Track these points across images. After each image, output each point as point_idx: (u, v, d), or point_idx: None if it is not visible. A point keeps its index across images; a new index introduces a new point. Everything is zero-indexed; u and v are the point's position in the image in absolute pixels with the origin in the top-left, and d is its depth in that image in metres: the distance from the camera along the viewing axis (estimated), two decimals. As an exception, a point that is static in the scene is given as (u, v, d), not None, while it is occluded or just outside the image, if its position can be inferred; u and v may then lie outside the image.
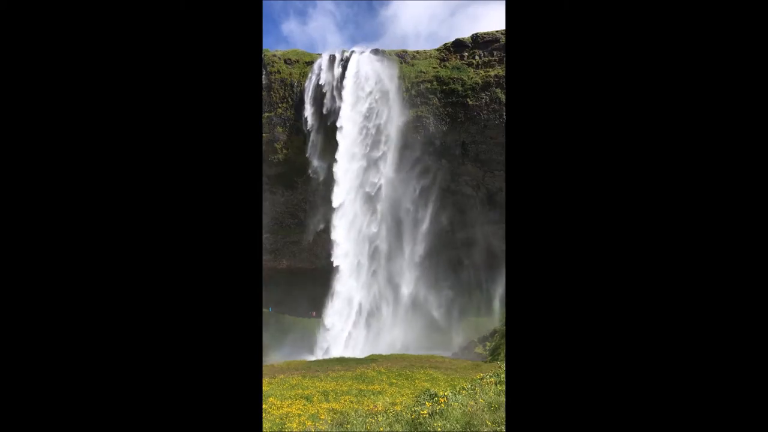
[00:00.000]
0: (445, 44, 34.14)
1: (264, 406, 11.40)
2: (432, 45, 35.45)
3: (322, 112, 32.23)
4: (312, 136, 32.32)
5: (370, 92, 31.61)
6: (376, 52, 33.23)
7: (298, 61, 34.28)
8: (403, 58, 33.30)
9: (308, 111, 32.41)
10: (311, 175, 32.36)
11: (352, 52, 33.01)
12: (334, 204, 30.61)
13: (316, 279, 30.90)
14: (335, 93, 32.13)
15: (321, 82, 32.48)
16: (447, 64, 32.81)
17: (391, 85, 31.77)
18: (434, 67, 32.74)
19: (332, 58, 33.18)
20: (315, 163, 32.29)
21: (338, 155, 30.86)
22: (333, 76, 32.54)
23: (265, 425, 9.73)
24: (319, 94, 32.46)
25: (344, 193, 30.72)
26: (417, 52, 34.29)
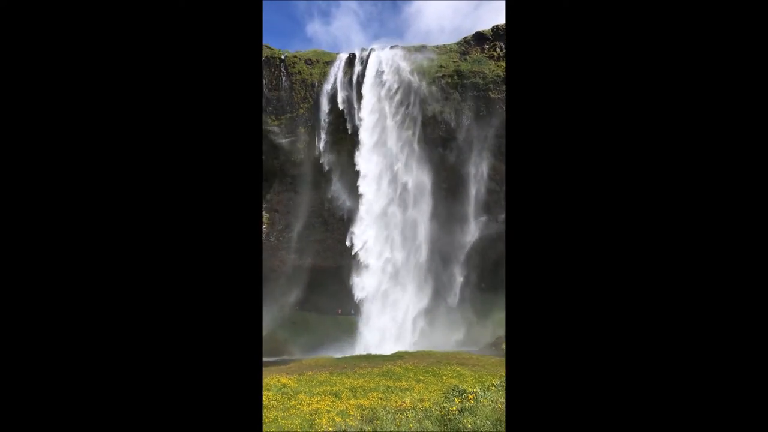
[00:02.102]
0: (465, 37, 33.70)
1: (293, 402, 11.58)
2: (457, 39, 34.99)
3: (341, 110, 32.35)
4: (328, 135, 32.49)
5: (390, 89, 31.54)
6: (395, 47, 33.12)
7: (318, 61, 34.51)
8: (423, 53, 33.07)
9: (325, 110, 32.61)
10: (328, 173, 32.56)
11: (372, 49, 32.99)
12: (359, 201, 30.74)
13: (342, 277, 31.12)
14: (355, 91, 32.21)
15: (340, 80, 32.62)
16: (468, 57, 32.40)
17: (412, 80, 31.61)
18: (455, 61, 32.39)
19: (352, 57, 33.26)
20: (331, 160, 32.48)
21: (360, 152, 30.96)
22: (353, 74, 32.62)
23: (295, 421, 9.88)
24: (338, 93, 32.60)
25: (367, 189, 30.80)
26: (437, 46, 33.99)
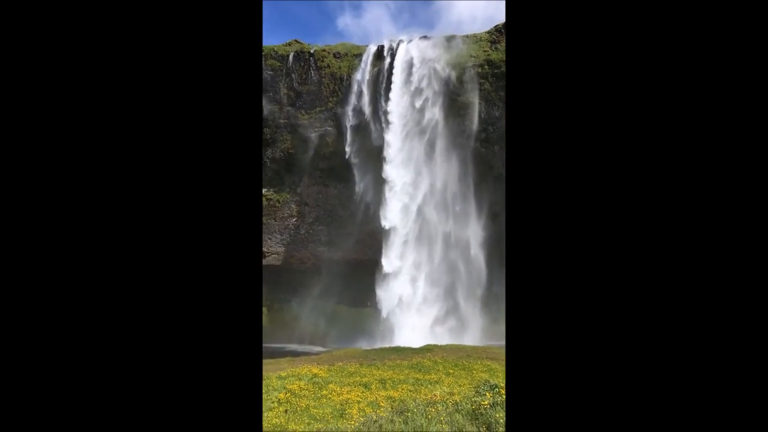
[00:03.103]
0: (495, 26, 32.91)
1: (324, 392, 11.78)
2: (489, 28, 34.25)
3: (369, 103, 32.32)
4: (356, 128, 32.54)
5: (419, 80, 31.24)
6: (424, 38, 32.72)
7: (346, 54, 34.56)
8: (453, 42, 32.53)
9: (354, 103, 32.65)
10: (357, 166, 32.66)
11: (401, 41, 32.73)
12: (387, 194, 30.75)
13: (372, 269, 31.30)
14: (383, 83, 32.09)
15: (368, 73, 32.56)
16: (499, 46, 31.65)
17: (441, 71, 31.18)
18: (485, 51, 31.71)
19: (380, 49, 33.12)
20: (360, 153, 32.54)
21: (388, 145, 30.89)
22: (381, 66, 32.49)
23: (326, 410, 10.05)
24: (366, 86, 32.56)
25: (395, 182, 30.74)
26: (467, 36, 33.36)
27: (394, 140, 31.01)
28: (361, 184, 33.03)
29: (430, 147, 31.16)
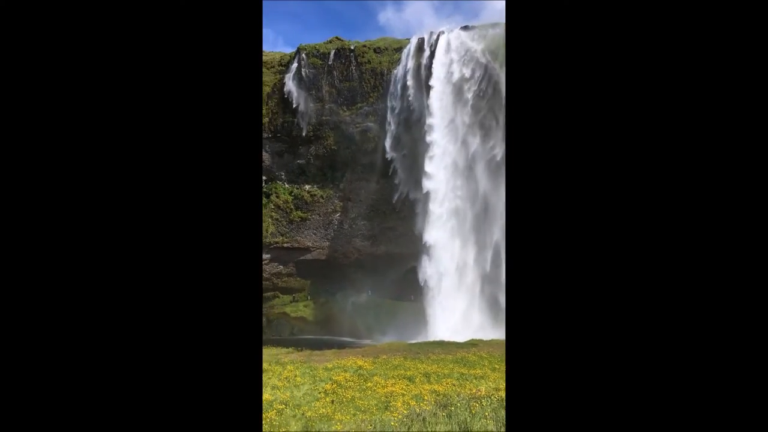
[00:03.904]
0: (541, 11, 31.56)
1: (369, 384, 11.97)
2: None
3: (409, 97, 32.16)
4: (397, 123, 32.46)
5: (460, 71, 30.67)
6: (466, 28, 32.04)
7: (387, 49, 34.54)
8: (496, 30, 31.64)
9: (394, 97, 32.58)
10: (398, 161, 32.62)
11: (441, 32, 32.25)
12: (429, 188, 30.56)
13: (414, 263, 31.31)
14: (424, 76, 31.81)
15: (409, 67, 32.36)
16: (544, 32, 30.42)
17: (483, 60, 30.45)
18: (529, 38, 30.58)
19: (421, 42, 32.81)
20: (401, 147, 32.46)
21: (430, 139, 30.65)
22: (421, 59, 32.20)
23: (371, 402, 10.22)
24: (406, 79, 32.40)
25: (437, 176, 30.48)
26: (510, 23, 32.29)
27: (435, 133, 30.71)
28: (402, 179, 33.02)
29: (473, 138, 30.56)
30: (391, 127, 32.76)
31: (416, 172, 32.10)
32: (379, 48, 34.69)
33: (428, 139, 30.65)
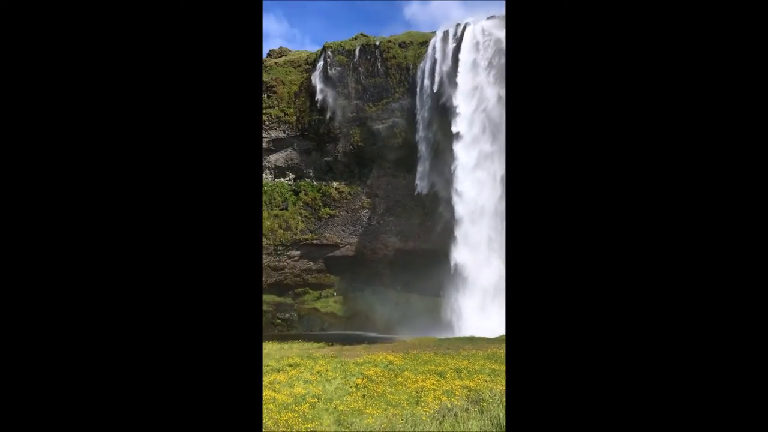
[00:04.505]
0: (571, -3, 30.57)
1: (399, 378, 12.00)
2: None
3: (435, 90, 31.85)
4: (424, 117, 32.22)
5: (487, 62, 30.12)
6: (492, 18, 31.41)
7: (412, 43, 34.31)
8: (522, 20, 30.84)
9: (420, 92, 32.33)
10: (425, 156, 32.38)
11: (467, 23, 31.74)
12: (456, 184, 30.26)
13: (443, 259, 31.13)
14: (450, 69, 31.42)
15: (434, 60, 32.04)
16: (574, 18, 29.45)
17: (510, 51, 29.74)
18: (559, 25, 29.69)
19: (446, 34, 32.40)
20: (428, 142, 32.20)
21: (457, 132, 30.30)
22: (447, 51, 31.81)
23: (402, 396, 10.25)
24: (432, 73, 32.10)
25: (464, 168, 30.11)
26: (538, 11, 31.44)
27: (462, 124, 30.32)
28: (430, 173, 32.80)
29: (500, 131, 30.00)
30: (419, 121, 32.58)
31: (445, 164, 31.80)
32: (404, 42, 34.50)
33: (454, 129, 30.28)
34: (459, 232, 30.04)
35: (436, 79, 31.83)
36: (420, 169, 32.96)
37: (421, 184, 32.89)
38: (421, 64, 32.82)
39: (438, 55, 32.01)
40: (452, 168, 30.48)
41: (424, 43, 33.42)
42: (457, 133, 30.31)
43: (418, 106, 32.58)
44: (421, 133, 32.48)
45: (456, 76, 30.72)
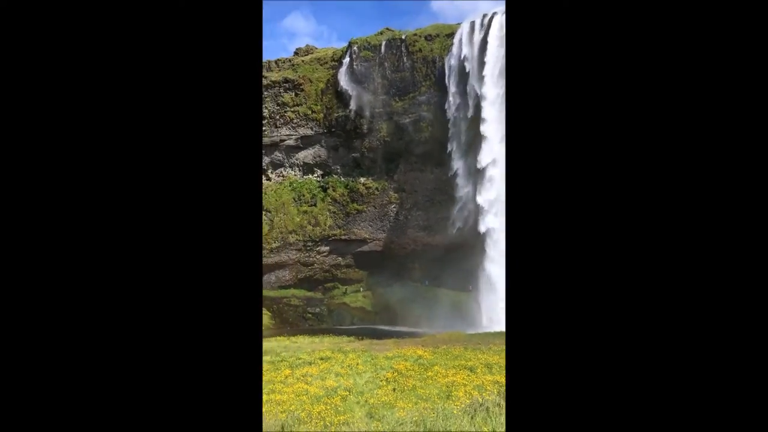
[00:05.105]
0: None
1: (429, 373, 12.01)
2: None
3: (462, 82, 31.41)
4: (451, 110, 31.83)
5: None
6: (520, 8, 30.62)
7: (438, 35, 33.94)
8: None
9: (447, 84, 31.95)
10: (453, 149, 32.04)
11: (494, 14, 31.11)
12: (484, 178, 29.83)
13: (471, 252, 30.83)
14: (477, 60, 30.91)
15: (462, 52, 31.58)
16: (607, 3, 28.36)
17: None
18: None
19: (473, 25, 31.86)
20: (455, 135, 31.83)
21: (485, 124, 29.82)
22: (475, 42, 31.29)
23: (432, 391, 10.27)
24: (459, 65, 31.67)
25: (492, 163, 29.63)
26: (569, -3, 30.43)
27: (490, 117, 29.82)
28: (458, 167, 32.47)
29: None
30: (447, 114, 32.27)
31: (473, 157, 31.39)
32: (430, 35, 34.17)
33: (483, 121, 29.81)
34: (488, 226, 29.65)
35: (462, 70, 31.39)
36: (449, 163, 32.65)
37: (452, 179, 32.57)
38: (448, 57, 32.43)
39: (465, 47, 31.54)
40: (481, 160, 30.07)
41: (451, 35, 32.99)
42: (485, 124, 29.84)
43: (445, 100, 32.24)
44: (451, 127, 32.12)
45: (483, 67, 30.20)
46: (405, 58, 34.09)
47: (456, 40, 32.20)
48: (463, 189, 32.01)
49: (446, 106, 32.08)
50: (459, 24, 33.23)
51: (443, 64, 32.73)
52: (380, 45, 34.74)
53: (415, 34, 34.63)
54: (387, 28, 36.20)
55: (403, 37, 34.64)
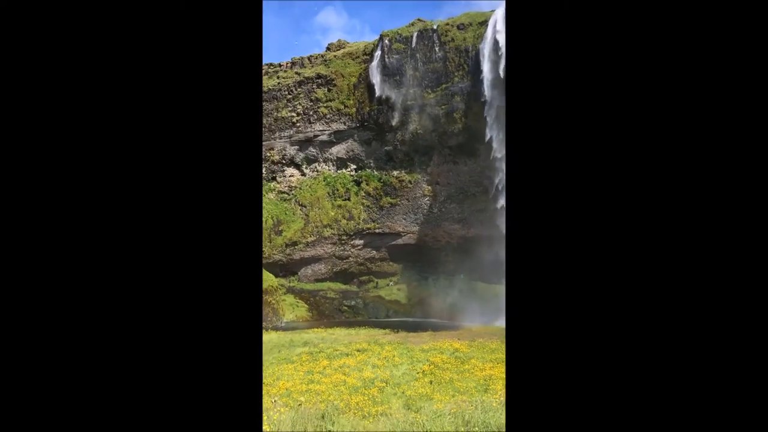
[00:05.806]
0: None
1: (466, 366, 11.94)
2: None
3: (498, 70, 30.65)
4: (487, 100, 31.15)
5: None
6: (557, -9, 29.49)
7: (470, 24, 33.23)
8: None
9: (481, 73, 31.25)
10: (488, 140, 31.38)
11: (529, -2, 30.06)
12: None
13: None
14: (513, 48, 30.03)
15: (496, 40, 30.78)
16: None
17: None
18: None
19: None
20: (491, 126, 31.13)
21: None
22: (509, 30, 30.40)
23: (470, 384, 10.21)
24: (494, 53, 30.91)
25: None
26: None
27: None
28: (491, 159, 31.84)
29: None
30: (482, 104, 31.64)
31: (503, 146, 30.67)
32: (462, 24, 33.52)
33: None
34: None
35: (497, 59, 30.63)
36: (483, 154, 32.05)
37: (487, 170, 31.97)
38: (481, 46, 31.73)
39: (499, 35, 30.72)
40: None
41: (484, 23, 32.23)
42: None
43: (481, 90, 31.59)
44: (486, 120, 31.45)
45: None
46: (437, 49, 33.63)
47: (489, 28, 31.42)
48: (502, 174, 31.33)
49: (483, 90, 31.39)
50: (492, 11, 32.40)
51: (476, 53, 32.06)
52: (412, 36, 34.41)
53: (447, 24, 34.07)
54: (419, 19, 35.79)
55: (435, 27, 34.16)
